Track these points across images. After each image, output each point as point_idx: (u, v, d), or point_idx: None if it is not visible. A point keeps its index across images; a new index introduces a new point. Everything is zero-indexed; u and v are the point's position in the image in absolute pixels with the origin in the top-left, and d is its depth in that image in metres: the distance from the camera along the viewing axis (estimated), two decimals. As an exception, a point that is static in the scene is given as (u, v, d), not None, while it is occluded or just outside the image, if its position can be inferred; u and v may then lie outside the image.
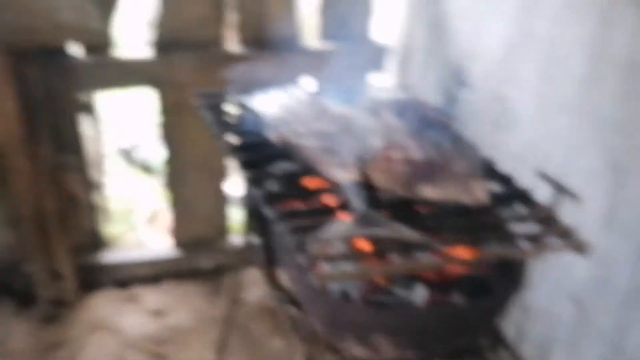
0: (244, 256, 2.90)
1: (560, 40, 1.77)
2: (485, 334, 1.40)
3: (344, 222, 1.21)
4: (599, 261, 1.61)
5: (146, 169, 3.54)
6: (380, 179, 1.25)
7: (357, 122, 1.38)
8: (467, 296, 1.31)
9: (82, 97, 2.49)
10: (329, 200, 1.34)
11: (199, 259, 2.87)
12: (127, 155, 3.57)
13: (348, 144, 1.32)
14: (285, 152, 1.40)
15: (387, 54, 2.76)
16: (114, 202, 3.03)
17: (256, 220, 1.69)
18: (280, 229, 1.23)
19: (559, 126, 1.78)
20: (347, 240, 1.17)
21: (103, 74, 2.43)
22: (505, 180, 1.45)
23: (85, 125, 2.52)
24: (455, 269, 1.31)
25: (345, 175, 1.25)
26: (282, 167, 1.40)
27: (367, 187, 1.26)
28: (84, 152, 2.54)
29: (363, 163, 1.28)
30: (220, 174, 2.77)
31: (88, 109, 2.53)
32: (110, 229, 2.88)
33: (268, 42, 2.58)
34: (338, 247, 1.15)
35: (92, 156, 2.61)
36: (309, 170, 1.34)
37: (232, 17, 2.54)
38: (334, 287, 1.27)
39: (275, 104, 1.50)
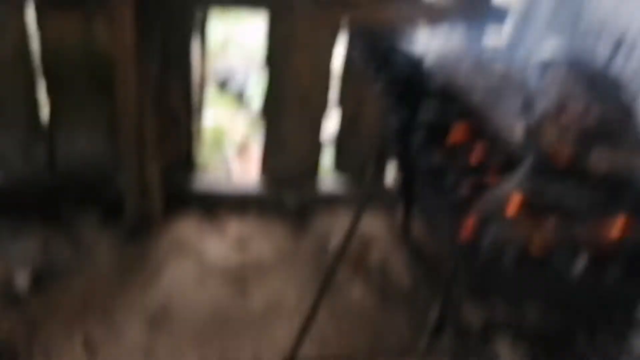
0: (332, 199, 2.89)
1: None
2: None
3: (511, 180, 1.13)
4: None
5: (239, 99, 3.50)
6: (552, 134, 1.16)
7: (522, 80, 1.29)
8: (624, 273, 1.21)
9: (197, 15, 2.44)
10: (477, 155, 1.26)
11: (285, 196, 2.83)
12: (223, 83, 3.53)
13: (514, 97, 1.23)
14: (447, 94, 1.32)
15: (507, 13, 2.61)
16: (206, 129, 3.00)
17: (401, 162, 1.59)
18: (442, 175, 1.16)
19: None
20: (512, 197, 1.09)
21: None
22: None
23: (195, 46, 2.48)
24: (616, 243, 1.21)
25: (516, 128, 1.17)
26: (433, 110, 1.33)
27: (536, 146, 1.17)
28: (191, 74, 2.51)
29: (533, 120, 1.19)
30: (320, 110, 2.69)
31: (201, 28, 2.48)
32: (201, 155, 2.86)
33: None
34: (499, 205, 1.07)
35: (197, 79, 2.57)
36: (472, 116, 1.26)
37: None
38: (487, 244, 1.19)
39: (434, 47, 1.42)
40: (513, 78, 1.33)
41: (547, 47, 1.41)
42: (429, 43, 1.47)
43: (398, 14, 2.46)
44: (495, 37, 2.72)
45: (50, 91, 2.49)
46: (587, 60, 1.40)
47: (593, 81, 1.25)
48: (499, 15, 2.61)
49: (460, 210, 1.08)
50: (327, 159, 2.90)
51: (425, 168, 1.27)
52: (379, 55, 1.64)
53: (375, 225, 2.67)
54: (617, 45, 1.49)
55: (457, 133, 1.31)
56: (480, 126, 1.24)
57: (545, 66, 1.25)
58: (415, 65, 1.40)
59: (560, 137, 1.16)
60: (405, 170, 1.43)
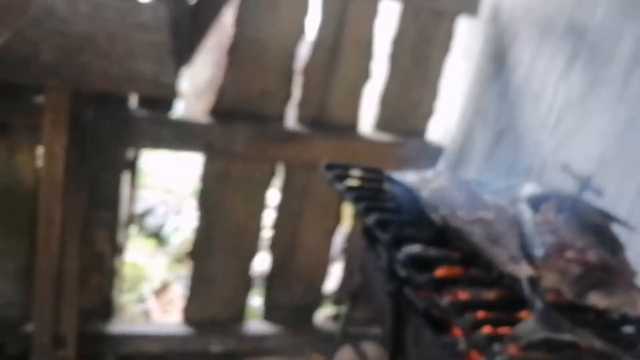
0: (260, 344, 2.74)
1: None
2: None
3: (528, 321, 1.09)
4: None
5: (156, 237, 3.35)
6: (552, 279, 1.15)
7: (515, 214, 1.29)
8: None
9: (130, 153, 2.35)
10: (464, 295, 1.22)
11: (210, 341, 2.66)
12: (139, 220, 3.38)
13: (512, 236, 1.22)
14: (444, 234, 1.29)
15: (442, 152, 2.71)
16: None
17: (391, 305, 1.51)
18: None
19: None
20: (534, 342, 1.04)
21: (159, 132, 2.30)
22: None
23: (125, 182, 2.37)
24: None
25: (521, 270, 1.14)
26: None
27: (542, 295, 1.15)
28: (119, 211, 2.37)
29: (533, 259, 1.18)
30: (250, 252, 2.62)
31: (133, 166, 2.38)
32: (119, 297, 2.66)
33: (327, 125, 2.53)
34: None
35: (124, 216, 2.44)
36: (474, 257, 1.23)
37: (295, 95, 2.48)
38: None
39: (426, 184, 1.40)
40: (506, 212, 1.33)
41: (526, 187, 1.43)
42: (417, 178, 1.46)
43: (336, 150, 2.50)
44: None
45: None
46: (576, 198, 1.42)
47: (585, 220, 1.27)
48: (433, 153, 2.71)
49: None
50: (256, 302, 2.79)
51: (426, 312, 1.21)
52: (369, 191, 1.62)
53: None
54: (585, 183, 1.53)
55: (449, 271, 1.28)
56: (479, 263, 1.22)
57: (536, 202, 1.26)
58: (411, 200, 1.38)
59: (560, 281, 1.16)
60: (394, 314, 1.37)
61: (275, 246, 2.67)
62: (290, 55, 2.41)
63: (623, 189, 1.87)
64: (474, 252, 1.22)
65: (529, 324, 1.07)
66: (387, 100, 2.62)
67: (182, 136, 2.35)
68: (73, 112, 2.06)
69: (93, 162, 2.22)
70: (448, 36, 2.61)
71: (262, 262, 2.77)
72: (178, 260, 3.21)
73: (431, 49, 2.60)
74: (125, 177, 2.36)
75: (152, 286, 2.98)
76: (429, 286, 1.21)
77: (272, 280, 2.73)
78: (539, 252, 1.18)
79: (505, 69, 2.45)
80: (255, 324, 2.75)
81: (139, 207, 3.34)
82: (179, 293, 2.87)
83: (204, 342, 2.65)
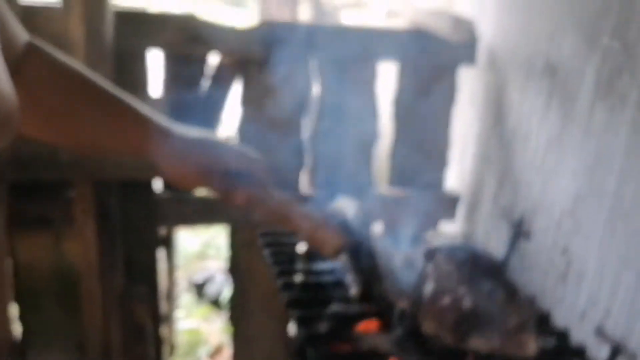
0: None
1: (628, 196, 1.75)
2: None
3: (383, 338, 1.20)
4: None
5: (215, 303, 3.59)
6: (429, 326, 1.25)
7: (415, 264, 1.40)
8: None
9: (160, 230, 2.60)
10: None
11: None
12: (199, 289, 3.64)
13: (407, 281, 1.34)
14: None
15: (458, 202, 2.78)
16: (181, 334, 3.06)
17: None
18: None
19: (623, 283, 1.71)
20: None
21: (184, 210, 2.55)
22: (560, 335, 1.39)
23: (160, 257, 2.62)
24: None
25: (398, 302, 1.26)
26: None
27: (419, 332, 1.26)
28: (156, 284, 2.62)
29: (415, 307, 1.28)
30: (284, 315, 2.78)
31: (165, 242, 2.64)
32: (173, 361, 2.90)
33: (341, 186, 2.67)
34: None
35: (164, 288, 2.69)
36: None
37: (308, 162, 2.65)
38: None
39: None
40: (413, 261, 1.43)
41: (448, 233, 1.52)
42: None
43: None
44: (449, 227, 2.86)
45: (22, 309, 2.59)
46: (471, 246, 1.50)
47: (476, 265, 1.35)
48: (450, 203, 2.77)
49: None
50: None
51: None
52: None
53: None
54: (517, 227, 1.60)
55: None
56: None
57: (430, 253, 1.35)
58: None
59: (438, 328, 1.24)
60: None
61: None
62: (298, 127, 2.60)
63: (594, 223, 1.89)
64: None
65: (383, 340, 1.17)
66: (399, 157, 2.73)
67: (206, 213, 2.58)
68: (99, 200, 2.36)
69: (126, 242, 2.50)
70: (451, 87, 2.71)
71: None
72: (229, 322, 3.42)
73: (435, 102, 2.70)
74: (160, 253, 2.62)
75: (208, 349, 3.20)
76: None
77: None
78: (422, 295, 1.28)
79: (502, 113, 2.52)
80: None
81: (200, 277, 3.60)
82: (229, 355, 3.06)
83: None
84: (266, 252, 1.82)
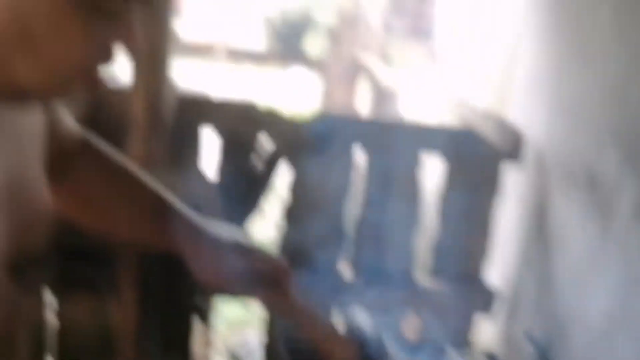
0: None
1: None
2: None
3: None
4: None
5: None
6: None
7: None
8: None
9: (198, 300, 2.68)
10: None
11: None
12: (234, 357, 3.69)
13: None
14: None
15: (497, 298, 2.77)
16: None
17: None
18: None
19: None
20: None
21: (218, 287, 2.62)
22: None
23: (195, 326, 2.69)
24: None
25: None
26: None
27: None
28: (190, 354, 2.69)
29: None
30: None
31: (202, 312, 2.71)
32: None
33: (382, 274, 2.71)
34: None
35: (199, 357, 2.75)
36: None
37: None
38: None
39: None
40: None
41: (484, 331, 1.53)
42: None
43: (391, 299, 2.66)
44: (487, 323, 2.85)
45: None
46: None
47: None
48: (488, 298, 2.76)
49: None
50: None
51: None
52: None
53: None
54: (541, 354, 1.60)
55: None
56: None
57: None
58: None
59: None
60: None
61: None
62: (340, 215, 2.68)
63: (628, 350, 1.86)
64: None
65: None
66: (439, 248, 2.76)
67: (242, 282, 2.65)
68: (141, 270, 2.47)
69: (164, 310, 2.59)
70: (495, 185, 2.73)
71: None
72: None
73: (479, 198, 2.73)
74: (195, 322, 2.69)
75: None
76: None
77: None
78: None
79: (545, 216, 2.52)
80: None
81: (237, 345, 3.66)
82: None
83: None
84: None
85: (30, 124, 1.06)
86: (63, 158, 1.23)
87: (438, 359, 1.67)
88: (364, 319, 1.54)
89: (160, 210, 1.34)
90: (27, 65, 0.83)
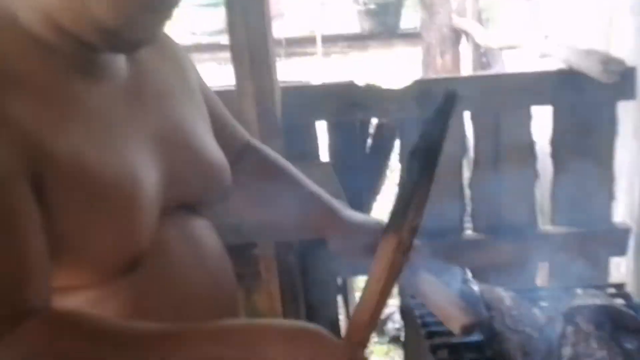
0: None
1: None
2: None
3: None
4: None
5: (396, 340, 3.74)
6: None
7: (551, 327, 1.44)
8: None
9: (338, 281, 2.84)
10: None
11: None
12: (379, 326, 3.81)
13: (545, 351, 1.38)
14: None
15: (630, 235, 2.72)
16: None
17: None
18: None
19: None
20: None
21: (355, 262, 2.75)
22: None
23: (339, 304, 2.85)
24: None
25: None
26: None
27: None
28: (338, 328, 2.85)
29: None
30: None
31: (343, 291, 2.87)
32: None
33: (503, 229, 2.74)
34: None
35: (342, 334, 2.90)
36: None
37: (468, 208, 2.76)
38: None
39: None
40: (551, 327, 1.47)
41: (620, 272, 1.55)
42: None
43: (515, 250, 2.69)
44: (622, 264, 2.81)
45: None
46: (614, 303, 1.51)
47: (614, 326, 1.37)
48: (621, 236, 2.72)
49: None
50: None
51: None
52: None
53: None
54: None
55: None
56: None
57: (570, 313, 1.39)
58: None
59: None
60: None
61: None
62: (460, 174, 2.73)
63: None
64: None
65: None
66: (560, 196, 2.75)
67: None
68: (280, 258, 2.65)
69: (307, 293, 2.75)
70: (610, 123, 2.68)
71: None
72: None
73: (595, 138, 2.69)
74: (338, 301, 2.85)
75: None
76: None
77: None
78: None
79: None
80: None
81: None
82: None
83: None
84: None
85: (182, 79, 1.29)
86: (231, 158, 1.40)
87: (566, 300, 1.68)
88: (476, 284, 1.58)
89: (307, 199, 1.48)
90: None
